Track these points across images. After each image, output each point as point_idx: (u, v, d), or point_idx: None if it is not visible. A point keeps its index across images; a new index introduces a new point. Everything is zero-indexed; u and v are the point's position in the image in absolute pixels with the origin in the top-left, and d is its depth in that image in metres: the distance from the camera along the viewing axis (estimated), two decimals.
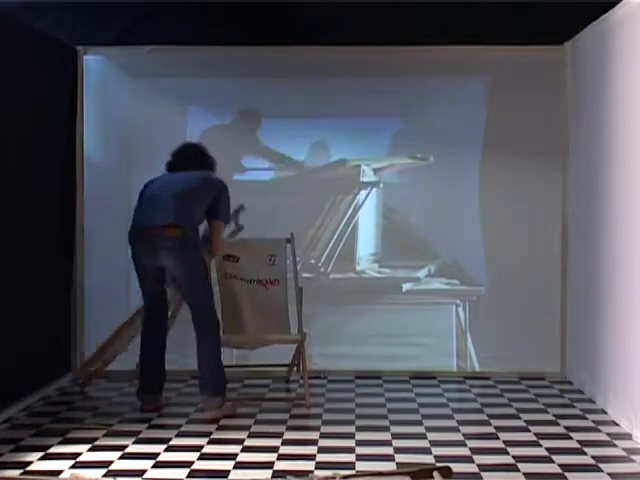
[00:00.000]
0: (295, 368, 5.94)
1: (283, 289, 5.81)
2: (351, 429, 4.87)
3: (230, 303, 5.76)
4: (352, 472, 4.08)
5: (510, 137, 6.37)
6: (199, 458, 4.44)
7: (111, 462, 4.36)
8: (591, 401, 5.61)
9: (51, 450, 4.57)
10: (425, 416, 5.24)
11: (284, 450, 4.51)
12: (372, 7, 5.84)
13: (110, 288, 6.60)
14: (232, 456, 4.46)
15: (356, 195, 6.54)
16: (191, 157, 5.53)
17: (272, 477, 4.13)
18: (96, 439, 4.76)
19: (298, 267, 6.00)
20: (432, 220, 6.55)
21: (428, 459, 4.40)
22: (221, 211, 5.36)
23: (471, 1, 5.63)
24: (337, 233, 6.50)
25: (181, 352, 6.66)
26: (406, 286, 6.46)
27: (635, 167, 4.88)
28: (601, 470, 4.23)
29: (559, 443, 4.69)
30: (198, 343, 5.23)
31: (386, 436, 4.84)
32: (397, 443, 4.70)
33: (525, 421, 5.15)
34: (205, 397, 5.20)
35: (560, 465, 4.29)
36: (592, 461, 4.38)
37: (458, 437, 4.81)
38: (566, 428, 4.99)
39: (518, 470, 4.22)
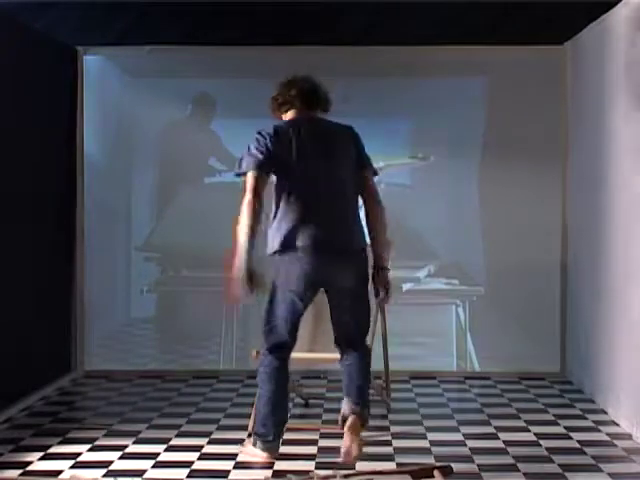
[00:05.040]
0: None
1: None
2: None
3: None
4: (352, 471, 4.08)
5: (510, 137, 6.37)
6: (199, 458, 4.44)
7: (111, 462, 4.36)
8: (591, 401, 5.61)
9: (51, 450, 4.56)
10: (425, 416, 5.24)
11: (284, 450, 4.50)
12: (372, 7, 5.83)
13: (111, 288, 6.61)
14: (232, 456, 4.46)
15: None
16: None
17: (272, 477, 4.13)
18: (96, 439, 4.76)
19: None
20: (432, 220, 6.55)
21: (428, 459, 4.40)
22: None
23: (471, 1, 5.62)
24: None
25: (182, 352, 6.69)
26: (406, 286, 6.46)
27: (635, 167, 4.88)
28: (601, 470, 4.23)
29: (559, 443, 4.69)
30: None
31: (386, 436, 4.84)
32: (397, 443, 4.70)
33: (525, 421, 5.14)
34: None
35: (560, 465, 4.29)
36: (592, 461, 4.38)
37: (458, 437, 4.81)
38: (566, 428, 4.99)
39: (518, 470, 4.22)
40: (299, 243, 4.17)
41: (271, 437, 4.35)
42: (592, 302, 5.66)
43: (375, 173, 4.42)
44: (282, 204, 4.22)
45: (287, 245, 4.18)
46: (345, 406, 4.31)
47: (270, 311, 4.31)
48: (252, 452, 4.43)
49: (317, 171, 4.22)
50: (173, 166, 6.66)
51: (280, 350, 4.34)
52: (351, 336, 4.38)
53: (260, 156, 4.13)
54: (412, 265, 6.49)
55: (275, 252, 4.22)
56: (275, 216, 4.24)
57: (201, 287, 6.56)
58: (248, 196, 4.11)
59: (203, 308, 6.69)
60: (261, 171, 4.14)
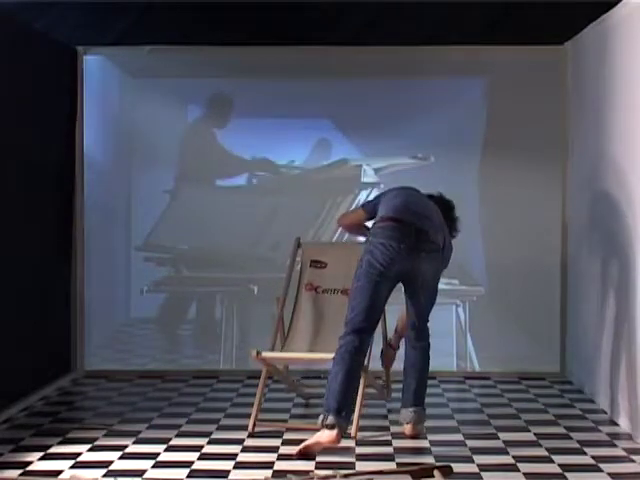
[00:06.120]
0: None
1: None
2: (351, 429, 4.85)
3: (301, 317, 5.35)
4: (352, 471, 4.08)
5: (510, 137, 6.38)
6: (199, 458, 4.44)
7: (111, 462, 4.36)
8: (591, 401, 5.61)
9: (51, 450, 4.56)
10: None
11: (284, 450, 4.51)
12: (372, 7, 5.85)
13: (111, 288, 6.61)
14: (232, 456, 4.46)
15: (357, 195, 6.54)
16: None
17: (272, 477, 4.13)
18: (96, 439, 4.76)
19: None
20: None
21: (428, 459, 4.40)
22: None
23: (471, 1, 5.64)
24: (338, 233, 6.49)
25: (182, 352, 6.70)
26: None
27: (634, 167, 4.88)
28: (601, 470, 4.23)
29: (559, 443, 4.69)
30: None
31: (386, 436, 4.84)
32: (397, 443, 4.70)
33: (525, 421, 5.15)
34: None
35: (560, 465, 4.29)
36: (592, 461, 4.38)
37: (458, 437, 4.81)
38: (566, 428, 4.99)
39: (518, 470, 4.22)
40: (387, 233, 4.66)
41: (344, 412, 4.45)
42: (592, 302, 5.66)
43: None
44: (378, 219, 4.82)
45: (377, 232, 4.71)
46: (404, 413, 4.88)
47: (353, 298, 4.64)
48: (315, 439, 4.45)
49: (409, 212, 4.78)
50: (173, 166, 6.66)
51: (358, 332, 4.60)
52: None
53: (370, 205, 5.00)
54: None
55: (367, 238, 4.78)
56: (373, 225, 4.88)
57: (201, 287, 6.56)
58: (353, 215, 5.18)
59: (203, 308, 6.69)
60: (366, 213, 5.02)
